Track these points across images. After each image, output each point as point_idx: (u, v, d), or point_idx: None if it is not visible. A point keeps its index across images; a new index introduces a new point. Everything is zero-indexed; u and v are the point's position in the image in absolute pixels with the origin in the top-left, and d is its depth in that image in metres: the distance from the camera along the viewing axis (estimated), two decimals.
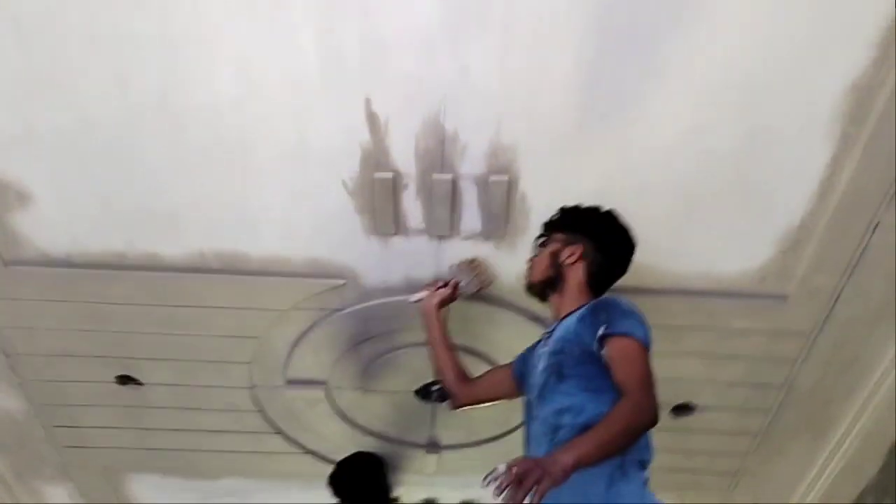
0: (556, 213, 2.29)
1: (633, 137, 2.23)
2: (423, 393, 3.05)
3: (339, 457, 3.34)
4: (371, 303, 2.70)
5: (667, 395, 2.97)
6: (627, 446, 1.79)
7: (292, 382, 3.01)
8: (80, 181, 2.36)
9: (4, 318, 2.78)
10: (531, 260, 2.30)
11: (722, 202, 2.38)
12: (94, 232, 2.49)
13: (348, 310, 2.73)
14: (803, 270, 2.54)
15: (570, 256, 2.20)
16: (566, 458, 1.66)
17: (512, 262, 2.55)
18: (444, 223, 2.44)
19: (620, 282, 2.52)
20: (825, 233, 2.42)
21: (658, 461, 3.27)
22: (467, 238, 2.50)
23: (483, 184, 2.35)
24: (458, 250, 2.53)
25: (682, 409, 3.09)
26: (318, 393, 3.06)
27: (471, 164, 2.31)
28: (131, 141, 2.24)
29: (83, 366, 2.92)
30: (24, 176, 2.36)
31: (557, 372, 2.01)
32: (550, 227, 2.29)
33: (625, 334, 1.92)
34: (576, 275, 2.19)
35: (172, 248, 2.53)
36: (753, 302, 2.64)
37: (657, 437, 3.00)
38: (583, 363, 1.96)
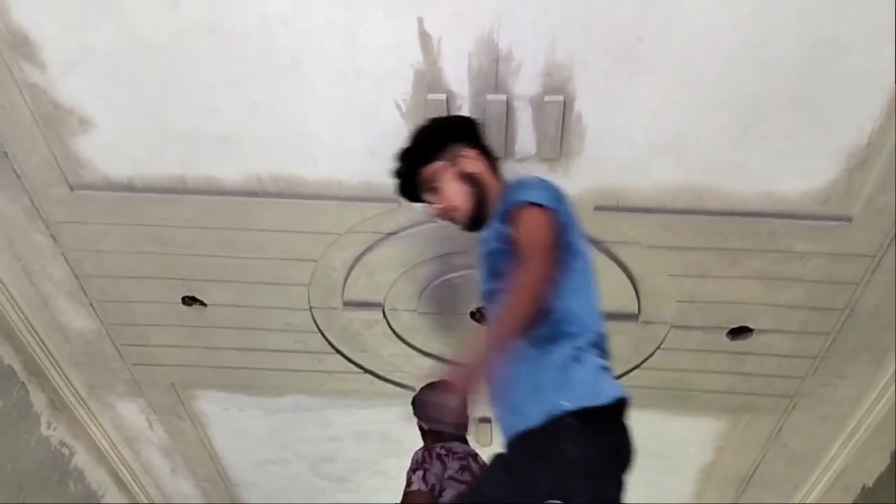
0: (405, 160, 2.16)
1: (692, 50, 2.15)
2: (478, 315, 3.08)
3: (397, 377, 3.42)
4: (425, 226, 2.72)
5: (724, 318, 2.98)
6: (536, 309, 1.74)
7: (349, 304, 3.07)
8: (136, 104, 2.40)
9: (73, 241, 2.88)
10: (442, 207, 2.11)
11: (784, 118, 2.29)
12: (153, 156, 2.54)
13: (403, 233, 2.75)
14: (869, 190, 2.45)
15: (471, 161, 2.09)
16: (478, 355, 1.70)
17: (567, 184, 2.50)
18: (497, 145, 2.41)
19: (680, 204, 2.49)
20: (893, 151, 2.33)
21: (714, 383, 3.33)
22: (521, 160, 2.47)
23: (538, 104, 2.31)
24: (512, 172, 2.50)
25: (739, 332, 3.07)
26: (374, 314, 3.12)
27: (525, 85, 2.27)
28: (183, 62, 2.26)
29: (149, 287, 3.03)
30: (84, 101, 2.41)
31: (493, 272, 1.95)
32: (419, 168, 2.12)
33: (522, 203, 1.87)
34: (486, 176, 2.09)
35: (230, 171, 2.57)
36: (816, 224, 2.58)
37: (713, 359, 3.01)
38: (512, 256, 1.87)
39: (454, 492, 2.64)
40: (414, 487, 2.63)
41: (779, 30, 2.08)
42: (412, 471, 2.68)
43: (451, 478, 2.66)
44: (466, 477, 2.68)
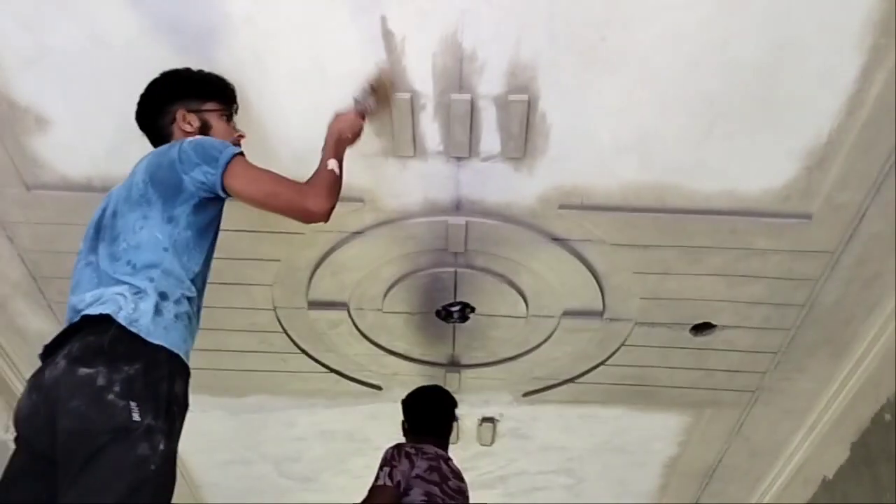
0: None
1: (656, 50, 2.16)
2: (444, 314, 3.08)
3: (362, 375, 3.42)
4: (389, 225, 2.70)
5: (687, 314, 3.01)
6: None
7: (314, 304, 3.05)
8: (95, 102, 2.36)
9: (30, 241, 2.82)
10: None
11: (745, 117, 2.32)
12: (113, 155, 2.49)
13: (367, 232, 2.74)
14: (828, 188, 2.49)
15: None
16: None
17: (532, 183, 2.54)
18: (462, 144, 2.42)
19: (644, 202, 2.51)
20: (852, 149, 2.36)
21: (677, 378, 3.37)
22: (486, 159, 2.47)
23: (502, 103, 2.31)
24: (476, 171, 2.51)
25: (702, 328, 3.10)
26: (339, 314, 3.10)
27: (489, 84, 2.27)
28: (145, 61, 2.21)
29: None
30: (41, 99, 2.36)
31: None
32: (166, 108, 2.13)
33: None
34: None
35: None
36: (777, 221, 2.61)
37: (677, 355, 3.06)
38: None
39: (420, 490, 2.64)
40: (379, 482, 2.63)
41: (741, 30, 2.10)
42: (380, 468, 2.69)
43: (418, 476, 2.66)
44: (434, 477, 2.68)
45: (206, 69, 2.19)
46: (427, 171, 2.52)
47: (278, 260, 2.85)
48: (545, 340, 3.20)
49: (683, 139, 2.39)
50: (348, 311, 3.09)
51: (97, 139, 2.46)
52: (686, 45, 2.15)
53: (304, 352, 3.32)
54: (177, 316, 1.83)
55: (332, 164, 2.08)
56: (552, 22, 2.11)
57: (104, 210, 2.01)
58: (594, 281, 2.88)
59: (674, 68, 2.21)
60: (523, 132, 2.37)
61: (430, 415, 3.06)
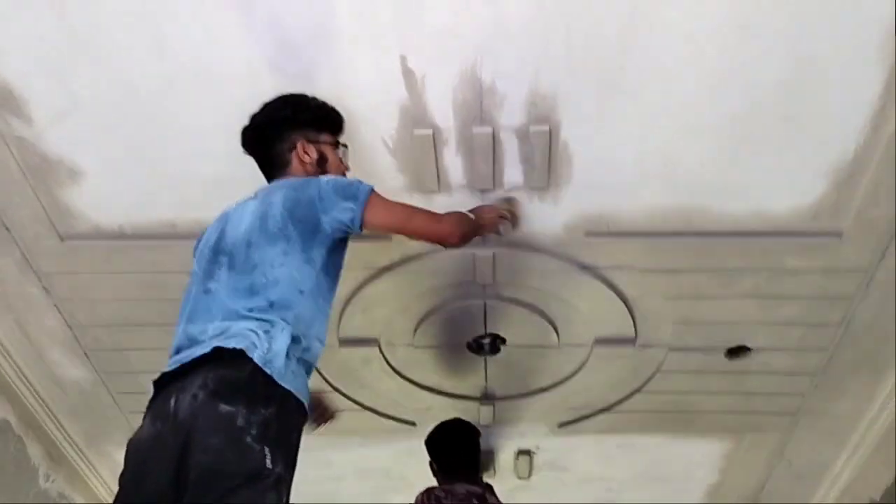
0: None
1: (675, 74, 2.16)
2: (475, 346, 3.07)
3: (396, 412, 3.40)
4: (417, 260, 2.71)
5: (721, 338, 2.97)
6: None
7: (345, 342, 3.06)
8: (125, 152, 2.41)
9: (65, 291, 2.87)
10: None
11: (770, 137, 2.30)
12: (144, 202, 2.54)
13: (396, 268, 2.75)
14: (858, 204, 2.46)
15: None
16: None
17: (557, 212, 2.53)
18: (486, 177, 2.43)
19: (671, 226, 2.49)
20: (880, 164, 2.34)
21: (715, 403, 3.32)
22: (510, 191, 2.48)
23: (523, 135, 2.32)
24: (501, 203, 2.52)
25: (737, 352, 3.06)
26: (371, 351, 3.10)
27: (510, 116, 2.28)
28: (172, 107, 2.27)
29: (143, 334, 3.00)
30: (73, 150, 2.42)
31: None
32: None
33: None
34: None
35: None
36: (807, 240, 2.58)
37: (713, 380, 3.01)
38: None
39: None
40: None
41: (761, 51, 2.10)
42: None
43: None
44: None
45: (231, 114, 2.22)
46: (452, 204, 2.51)
47: None
48: (578, 369, 3.18)
49: (708, 161, 2.38)
50: (379, 347, 3.09)
51: (129, 188, 2.51)
52: (706, 69, 2.15)
53: (336, 390, 3.32)
54: (301, 361, 1.83)
55: (466, 212, 2.25)
56: (570, 53, 2.12)
57: (222, 234, 1.98)
58: (625, 307, 2.85)
59: (695, 92, 2.21)
60: (546, 162, 2.37)
61: (452, 451, 3.04)
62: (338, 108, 2.23)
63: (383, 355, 3.13)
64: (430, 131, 2.31)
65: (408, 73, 2.19)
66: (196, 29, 2.11)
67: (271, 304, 1.80)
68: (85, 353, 3.13)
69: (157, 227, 2.61)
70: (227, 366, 1.69)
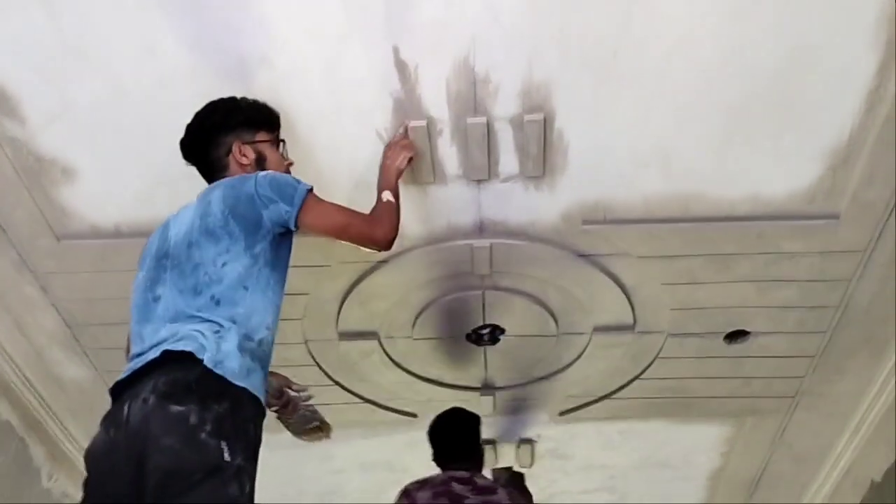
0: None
1: (669, 61, 2.16)
2: (474, 337, 3.07)
3: (397, 404, 3.40)
4: (414, 251, 2.71)
5: (720, 323, 2.98)
6: None
7: (344, 335, 3.06)
8: (120, 150, 2.40)
9: (63, 291, 2.87)
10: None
11: (765, 121, 2.30)
12: (139, 201, 2.53)
13: (393, 260, 2.74)
14: (854, 186, 2.46)
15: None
16: None
17: (554, 201, 2.53)
18: (481, 167, 2.42)
19: (667, 212, 2.49)
20: (875, 145, 2.33)
21: (715, 388, 3.32)
22: (506, 180, 2.48)
23: (518, 124, 2.32)
24: (497, 193, 2.51)
25: (736, 336, 3.06)
26: (370, 344, 3.11)
27: (504, 106, 2.28)
28: (166, 107, 2.26)
29: None
30: (67, 151, 2.41)
31: None
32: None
33: None
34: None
35: None
36: (804, 223, 2.58)
37: (713, 364, 3.02)
38: None
39: None
40: None
41: (753, 36, 2.10)
42: None
43: None
44: (443, 501, 2.68)
45: None
46: (448, 195, 2.53)
47: (307, 293, 2.86)
48: (578, 357, 3.18)
49: (704, 147, 2.38)
50: (379, 340, 3.10)
51: (123, 186, 2.51)
52: (699, 55, 2.15)
53: (337, 383, 3.32)
54: (256, 358, 1.82)
55: (387, 195, 2.19)
56: (563, 41, 2.12)
57: (167, 237, 1.99)
58: (623, 295, 2.86)
59: (689, 79, 2.20)
60: (541, 151, 2.37)
61: (449, 440, 3.04)
62: (332, 101, 2.23)
63: (383, 348, 3.13)
64: (423, 122, 2.31)
65: (400, 65, 2.18)
66: (187, 27, 2.10)
67: (217, 303, 1.81)
68: (84, 352, 3.13)
69: (153, 225, 2.57)
70: (177, 369, 1.71)
